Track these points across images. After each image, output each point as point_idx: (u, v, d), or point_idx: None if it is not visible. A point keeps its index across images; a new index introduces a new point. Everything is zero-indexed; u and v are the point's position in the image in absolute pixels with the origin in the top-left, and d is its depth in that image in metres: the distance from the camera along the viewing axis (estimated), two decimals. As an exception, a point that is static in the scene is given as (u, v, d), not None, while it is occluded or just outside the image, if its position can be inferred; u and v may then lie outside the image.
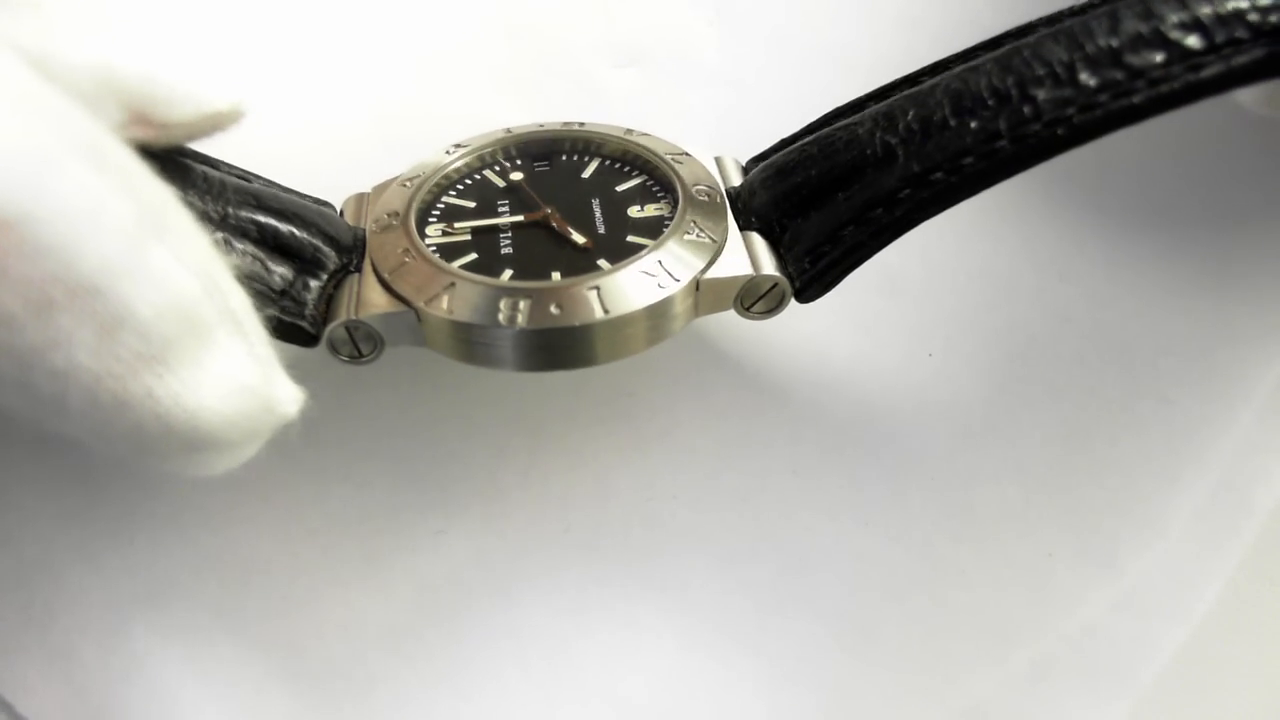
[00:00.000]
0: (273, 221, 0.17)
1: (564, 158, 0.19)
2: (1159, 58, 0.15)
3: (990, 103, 0.16)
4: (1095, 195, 0.21)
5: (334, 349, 0.17)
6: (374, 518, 0.19)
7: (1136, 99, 0.15)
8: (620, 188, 0.18)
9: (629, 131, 0.19)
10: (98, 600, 0.18)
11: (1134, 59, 0.16)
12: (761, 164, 0.18)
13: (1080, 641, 0.18)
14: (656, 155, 0.18)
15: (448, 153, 0.19)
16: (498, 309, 0.16)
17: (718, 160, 0.19)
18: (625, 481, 0.19)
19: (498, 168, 0.19)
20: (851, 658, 0.18)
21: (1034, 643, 0.18)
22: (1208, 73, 0.15)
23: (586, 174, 0.19)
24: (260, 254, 0.17)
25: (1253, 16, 0.15)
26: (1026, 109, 0.16)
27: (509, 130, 0.19)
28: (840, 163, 0.17)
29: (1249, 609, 0.18)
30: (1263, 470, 0.19)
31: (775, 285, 0.17)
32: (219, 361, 0.13)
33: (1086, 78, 0.16)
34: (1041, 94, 0.16)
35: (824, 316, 0.19)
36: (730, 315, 0.17)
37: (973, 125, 0.16)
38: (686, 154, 0.19)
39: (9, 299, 0.11)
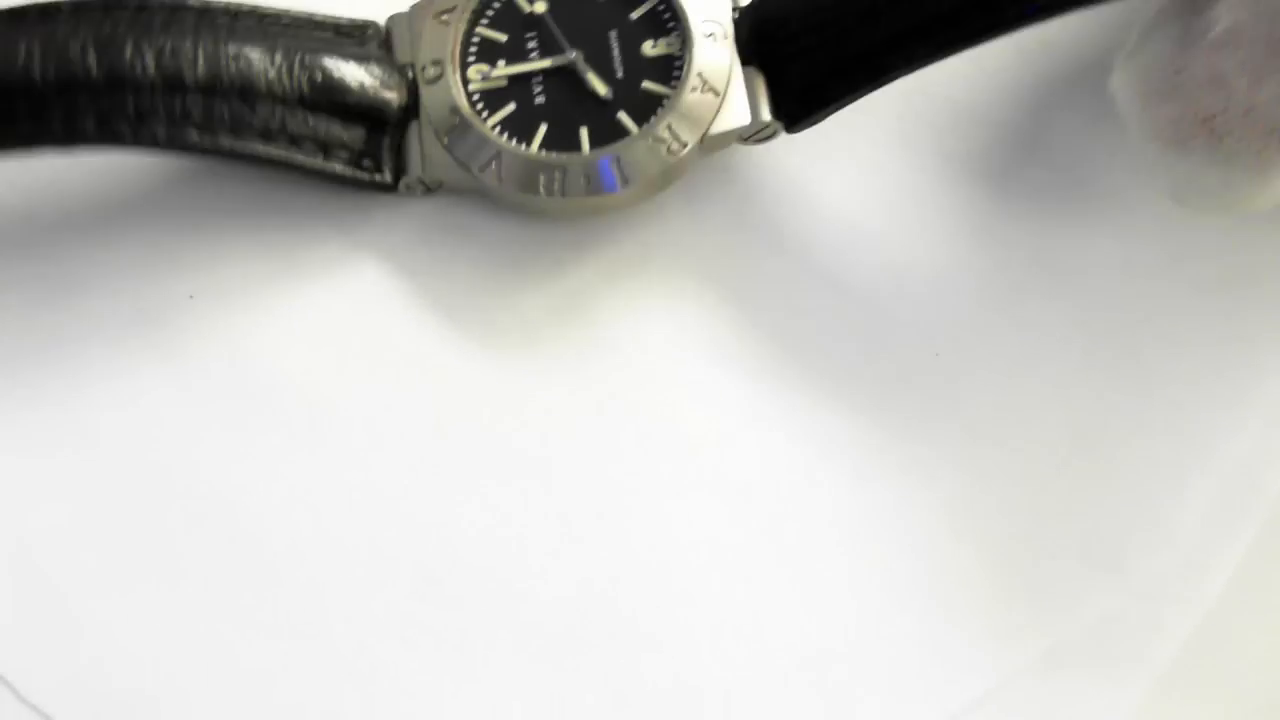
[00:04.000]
0: (344, 94, 0.20)
1: None
2: None
3: None
4: (1109, 198, 0.20)
5: (407, 190, 0.20)
6: (385, 499, 0.19)
7: None
8: (634, 15, 0.20)
9: None
10: (105, 583, 0.19)
11: None
12: None
13: (1094, 628, 0.18)
14: None
15: None
16: (539, 181, 0.19)
17: None
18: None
19: None
20: (854, 656, 0.18)
21: (1040, 640, 0.18)
22: None
23: None
24: (338, 123, 0.20)
25: None
26: None
27: None
28: (827, 15, 0.19)
29: (1257, 600, 0.19)
30: (1273, 474, 0.19)
31: (769, 125, 0.20)
32: None
33: None
34: None
35: (830, 314, 0.20)
36: None
37: None
38: None
39: None
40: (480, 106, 0.20)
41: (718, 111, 0.19)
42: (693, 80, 0.19)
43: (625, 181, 0.19)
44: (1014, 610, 0.18)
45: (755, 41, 0.20)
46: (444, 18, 0.20)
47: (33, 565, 0.19)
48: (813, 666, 0.18)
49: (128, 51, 0.19)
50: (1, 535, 0.19)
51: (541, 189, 0.19)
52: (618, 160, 0.19)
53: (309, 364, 0.20)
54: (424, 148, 0.20)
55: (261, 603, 0.19)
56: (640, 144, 0.19)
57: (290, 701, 0.18)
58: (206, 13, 0.20)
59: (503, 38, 0.20)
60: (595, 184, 0.19)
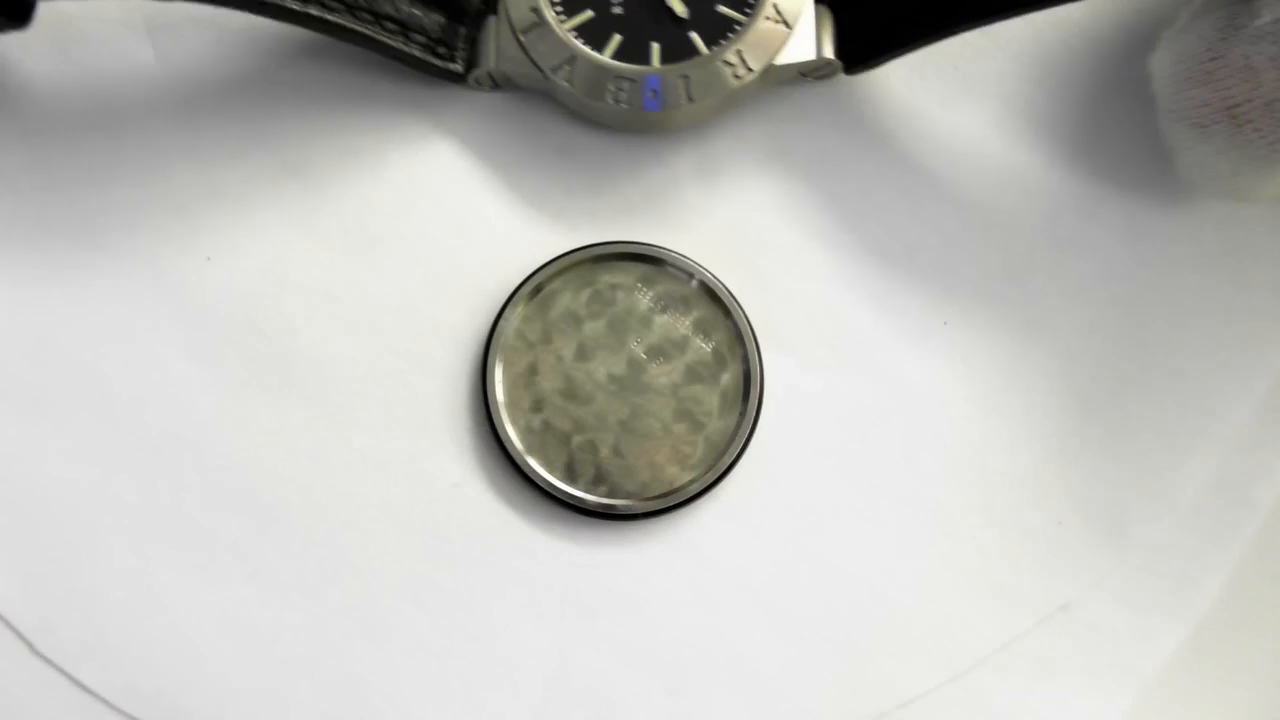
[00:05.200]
0: None
1: None
2: None
3: None
4: (1116, 171, 0.21)
5: (475, 84, 0.22)
6: (396, 460, 0.20)
7: None
8: None
9: None
10: (120, 540, 0.19)
11: None
12: None
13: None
14: None
15: None
16: (607, 89, 0.20)
17: None
18: None
19: None
20: (858, 617, 0.19)
21: (1041, 609, 0.19)
22: None
23: None
24: (419, 6, 0.21)
25: None
26: None
27: None
28: None
29: (1251, 604, 0.19)
30: (1275, 441, 0.20)
31: (831, 64, 0.21)
32: None
33: None
34: None
35: (841, 282, 0.21)
36: None
37: None
38: None
39: None
40: (559, 10, 0.21)
41: (786, 43, 0.21)
42: (767, 10, 0.21)
43: (689, 99, 0.20)
44: (1016, 577, 0.19)
45: None
46: None
47: (50, 522, 0.20)
48: (813, 626, 0.19)
49: None
50: (20, 493, 0.20)
51: (609, 97, 0.20)
52: (685, 79, 0.20)
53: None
54: (499, 43, 0.21)
55: (280, 558, 0.20)
56: (708, 65, 0.20)
57: (302, 656, 0.19)
58: None
59: None
60: (660, 99, 0.20)
